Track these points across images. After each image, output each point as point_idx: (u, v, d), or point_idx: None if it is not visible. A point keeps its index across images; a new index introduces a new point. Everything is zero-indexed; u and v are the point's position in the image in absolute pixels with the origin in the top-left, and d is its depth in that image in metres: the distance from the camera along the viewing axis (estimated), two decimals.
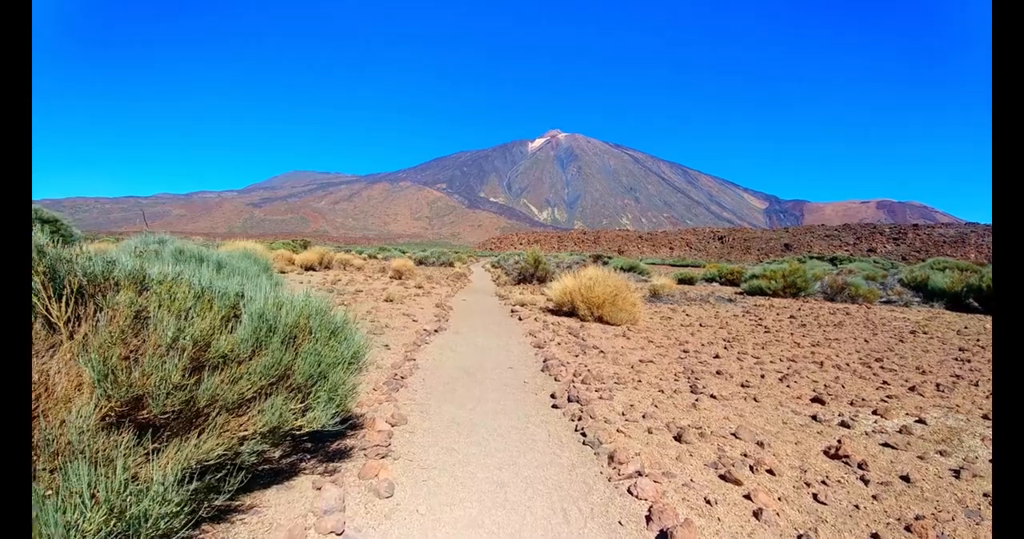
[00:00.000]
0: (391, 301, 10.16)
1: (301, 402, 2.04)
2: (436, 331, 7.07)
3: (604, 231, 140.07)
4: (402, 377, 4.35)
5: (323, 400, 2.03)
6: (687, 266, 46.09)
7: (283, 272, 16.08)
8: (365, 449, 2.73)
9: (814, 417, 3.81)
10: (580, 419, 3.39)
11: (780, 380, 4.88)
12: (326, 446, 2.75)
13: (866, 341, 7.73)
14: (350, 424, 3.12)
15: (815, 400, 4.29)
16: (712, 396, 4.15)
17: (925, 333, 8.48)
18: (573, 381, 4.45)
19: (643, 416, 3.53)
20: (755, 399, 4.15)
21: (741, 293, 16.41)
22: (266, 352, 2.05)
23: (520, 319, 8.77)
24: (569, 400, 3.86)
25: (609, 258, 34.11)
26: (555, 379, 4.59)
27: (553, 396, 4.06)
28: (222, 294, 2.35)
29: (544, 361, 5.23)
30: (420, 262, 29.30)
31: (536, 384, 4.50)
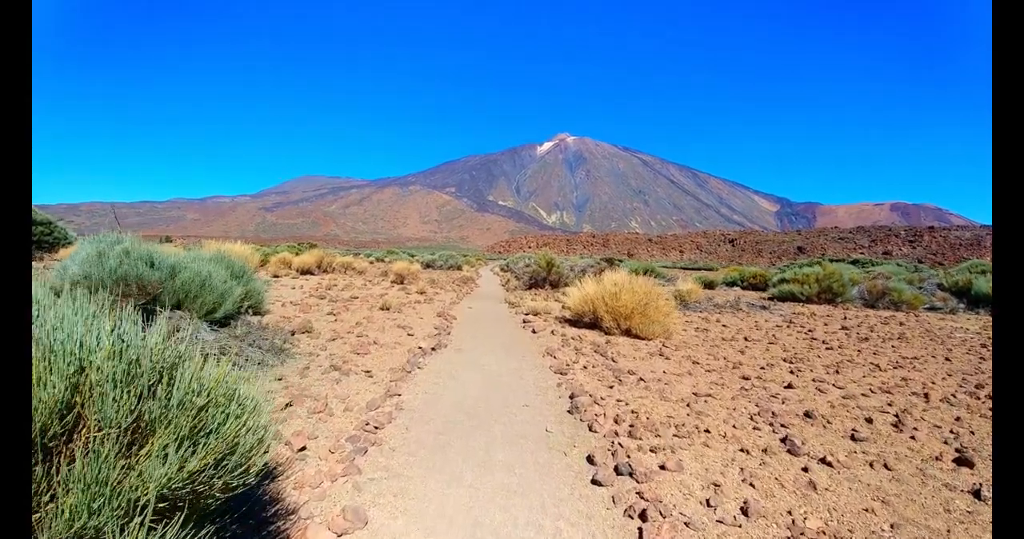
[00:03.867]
0: (387, 309, 8.95)
1: None
2: (434, 349, 5.84)
3: (613, 234, 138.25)
4: (376, 427, 3.10)
5: None
6: (699, 269, 44.42)
7: (276, 276, 14.96)
8: None
9: (976, 494, 2.53)
10: (644, 518, 2.11)
11: (895, 427, 3.57)
12: None
13: (947, 360, 6.39)
14: (266, 534, 1.88)
15: (960, 461, 3.00)
16: (824, 461, 2.84)
17: None
18: (616, 433, 3.17)
19: (743, 510, 2.23)
20: (885, 465, 2.84)
21: (771, 298, 15.08)
22: None
23: (534, 332, 7.50)
24: (618, 471, 2.59)
25: (620, 261, 32.68)
26: (589, 427, 3.31)
27: (591, 460, 2.78)
28: None
29: (571, 397, 3.95)
30: (428, 265, 28.18)
31: (564, 435, 3.23)
